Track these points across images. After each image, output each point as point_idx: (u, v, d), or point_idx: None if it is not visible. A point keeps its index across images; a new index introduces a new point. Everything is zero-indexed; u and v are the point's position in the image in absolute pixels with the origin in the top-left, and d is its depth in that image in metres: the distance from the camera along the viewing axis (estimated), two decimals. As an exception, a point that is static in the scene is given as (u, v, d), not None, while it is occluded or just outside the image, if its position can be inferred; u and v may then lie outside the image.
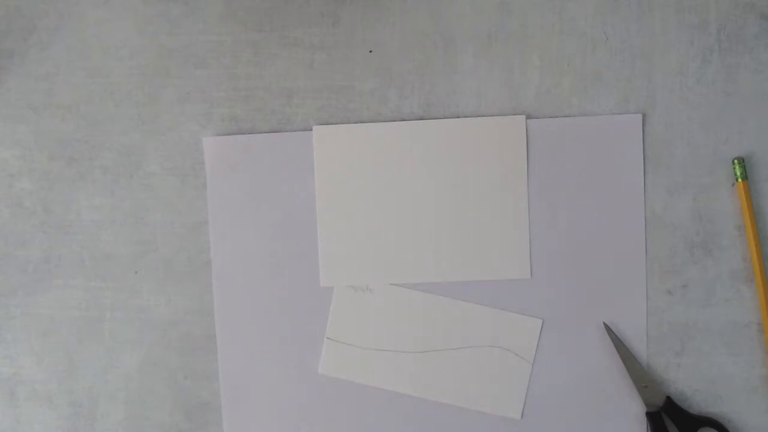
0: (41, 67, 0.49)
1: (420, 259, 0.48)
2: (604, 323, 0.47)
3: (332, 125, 0.48)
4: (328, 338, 0.47)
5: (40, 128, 0.49)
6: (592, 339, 0.48)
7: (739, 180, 0.47)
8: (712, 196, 0.48)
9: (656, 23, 0.48)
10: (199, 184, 0.49)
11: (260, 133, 0.49)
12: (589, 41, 0.48)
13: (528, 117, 0.48)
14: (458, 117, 0.48)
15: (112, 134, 0.49)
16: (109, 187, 0.49)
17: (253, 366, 0.49)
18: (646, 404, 0.47)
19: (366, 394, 0.48)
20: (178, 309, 0.49)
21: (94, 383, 0.49)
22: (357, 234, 0.48)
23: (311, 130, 0.48)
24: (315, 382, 0.48)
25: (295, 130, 0.49)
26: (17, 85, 0.49)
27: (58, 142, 0.49)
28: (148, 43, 0.49)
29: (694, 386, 0.49)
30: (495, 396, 0.47)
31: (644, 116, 0.48)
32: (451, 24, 0.48)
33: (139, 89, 0.49)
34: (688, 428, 0.46)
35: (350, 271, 0.48)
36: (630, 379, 0.47)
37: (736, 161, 0.48)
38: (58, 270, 0.49)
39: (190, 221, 0.49)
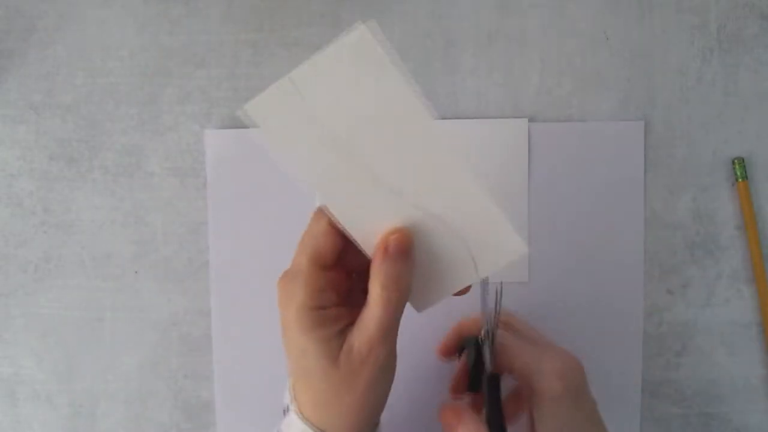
0: (41, 67, 0.49)
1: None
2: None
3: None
4: None
5: (40, 128, 0.49)
6: (591, 341, 0.48)
7: (739, 180, 0.47)
8: (712, 196, 0.48)
9: (656, 23, 0.48)
10: (199, 184, 0.49)
11: (260, 133, 0.48)
12: (589, 41, 0.48)
13: (530, 120, 0.48)
14: (458, 117, 0.48)
15: (112, 134, 0.49)
16: (109, 187, 0.49)
17: (250, 367, 0.49)
18: None
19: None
20: (178, 309, 0.49)
21: (94, 383, 0.49)
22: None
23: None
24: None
25: (295, 130, 0.49)
26: (17, 85, 0.49)
27: (58, 142, 0.49)
28: (148, 43, 0.49)
29: (694, 386, 0.49)
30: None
31: (644, 116, 0.48)
32: (451, 24, 0.48)
33: (139, 89, 0.49)
34: None
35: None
36: None
37: (736, 161, 0.48)
38: (58, 270, 0.49)
39: (190, 221, 0.49)
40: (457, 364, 0.41)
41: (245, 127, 0.49)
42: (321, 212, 0.34)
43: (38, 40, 0.49)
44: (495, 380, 0.35)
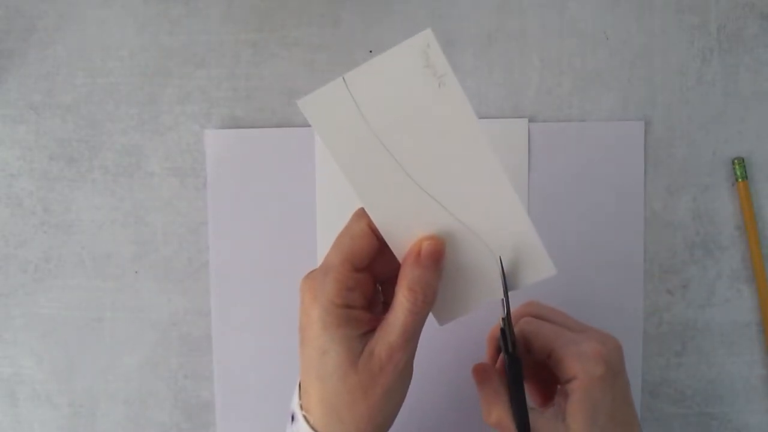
0: (41, 67, 0.49)
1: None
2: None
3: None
4: None
5: (40, 128, 0.49)
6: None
7: (739, 180, 0.48)
8: (712, 196, 0.48)
9: (656, 23, 0.48)
10: (199, 184, 0.49)
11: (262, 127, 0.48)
12: (589, 41, 0.48)
13: (530, 120, 0.48)
14: (458, 117, 0.48)
15: (112, 134, 0.49)
16: (109, 187, 0.49)
17: (250, 367, 0.49)
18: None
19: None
20: (178, 309, 0.49)
21: (94, 383, 0.49)
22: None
23: (311, 127, 0.48)
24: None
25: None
26: (17, 85, 0.49)
27: (58, 142, 0.49)
28: (148, 43, 0.49)
29: (694, 386, 0.49)
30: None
31: (644, 116, 0.48)
32: (451, 24, 0.48)
33: (139, 89, 0.49)
34: None
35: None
36: None
37: (736, 161, 0.48)
38: (58, 270, 0.49)
39: (190, 221, 0.49)
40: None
41: (245, 127, 0.49)
42: (361, 213, 0.34)
43: (38, 40, 0.49)
44: (513, 361, 0.35)
